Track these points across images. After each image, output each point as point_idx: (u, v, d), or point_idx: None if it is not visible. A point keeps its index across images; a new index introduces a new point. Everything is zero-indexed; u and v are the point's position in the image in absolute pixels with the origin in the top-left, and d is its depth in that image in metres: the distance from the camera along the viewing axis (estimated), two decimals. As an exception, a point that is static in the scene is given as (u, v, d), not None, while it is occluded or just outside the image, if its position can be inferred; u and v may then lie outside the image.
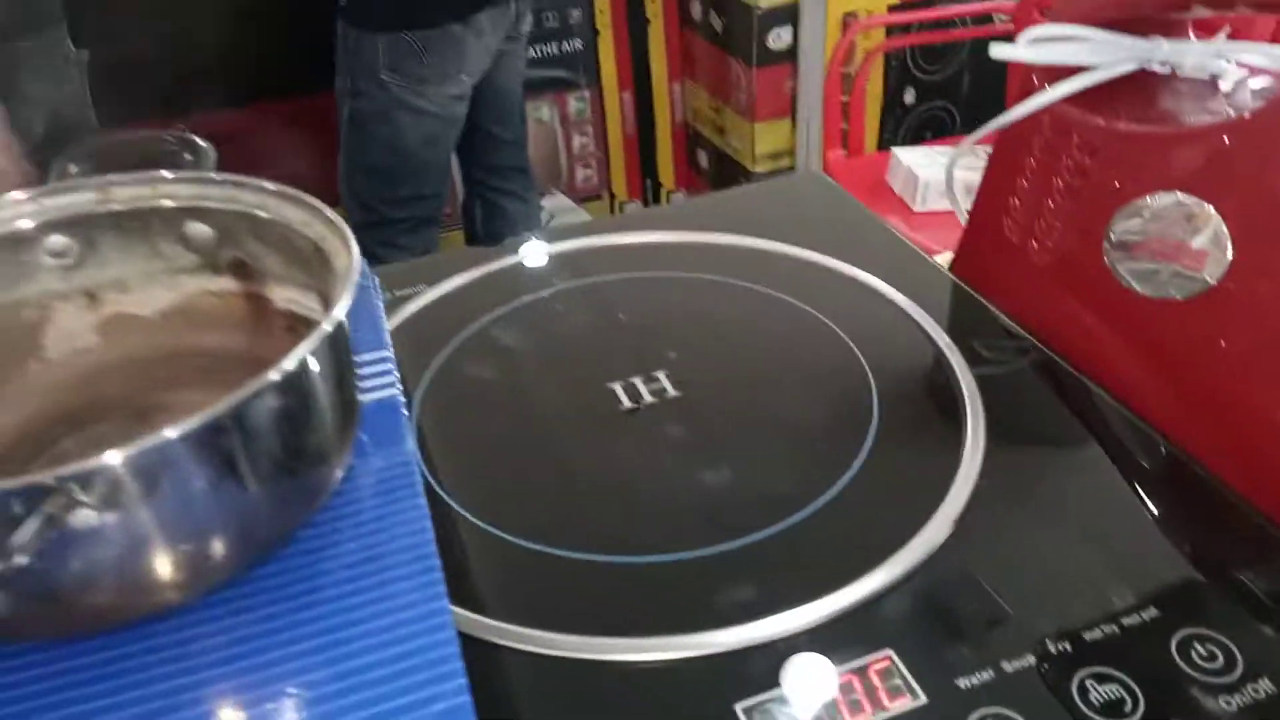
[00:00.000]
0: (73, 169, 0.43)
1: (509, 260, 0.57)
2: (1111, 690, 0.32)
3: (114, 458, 0.28)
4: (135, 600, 0.32)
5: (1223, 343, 0.43)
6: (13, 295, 0.42)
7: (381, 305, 0.51)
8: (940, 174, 1.20)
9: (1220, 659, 0.33)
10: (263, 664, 0.33)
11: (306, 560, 0.36)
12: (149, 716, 0.31)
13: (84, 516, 0.29)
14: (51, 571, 0.30)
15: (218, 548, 0.33)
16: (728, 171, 1.91)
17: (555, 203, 1.88)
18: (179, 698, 0.32)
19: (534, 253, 0.58)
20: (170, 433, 0.29)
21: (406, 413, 0.43)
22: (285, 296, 0.43)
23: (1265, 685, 0.32)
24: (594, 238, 0.59)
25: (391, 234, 1.33)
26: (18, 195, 0.41)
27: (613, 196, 2.02)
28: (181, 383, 0.44)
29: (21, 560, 0.26)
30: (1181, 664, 0.33)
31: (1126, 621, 0.34)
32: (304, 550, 0.37)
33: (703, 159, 2.00)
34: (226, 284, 0.44)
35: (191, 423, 0.30)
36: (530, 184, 1.58)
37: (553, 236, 0.59)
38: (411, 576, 0.35)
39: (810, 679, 0.33)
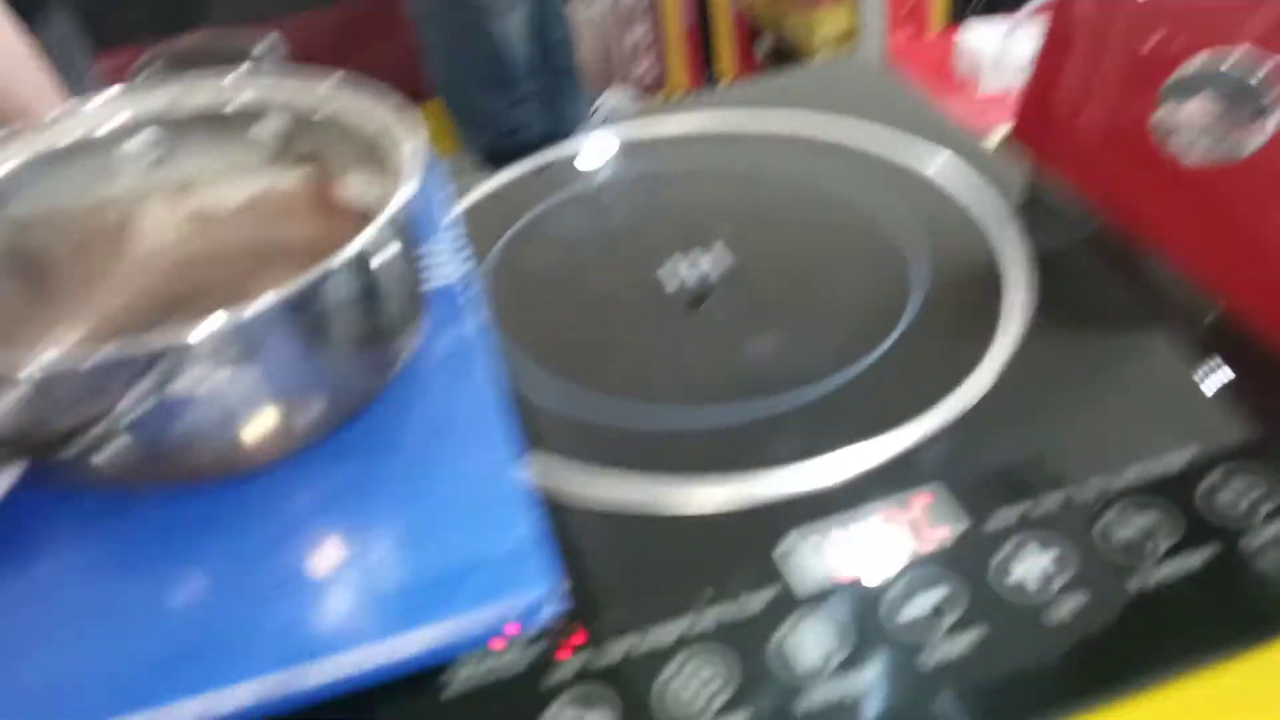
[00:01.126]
0: (152, 67, 0.45)
1: (567, 148, 0.59)
2: (1150, 519, 0.34)
3: (208, 324, 0.31)
4: (235, 456, 0.36)
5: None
6: (104, 192, 0.45)
7: (447, 189, 0.54)
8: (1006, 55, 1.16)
9: (1259, 491, 0.34)
10: (351, 512, 0.36)
11: (388, 420, 0.39)
12: (251, 558, 0.35)
13: (184, 382, 0.32)
14: (163, 429, 0.33)
15: (305, 410, 0.37)
16: (787, 60, 1.86)
17: (612, 97, 1.87)
18: (277, 543, 0.35)
19: (590, 140, 0.59)
20: (261, 304, 0.32)
21: (473, 290, 0.46)
22: (354, 188, 0.46)
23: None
24: (647, 122, 0.60)
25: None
26: (107, 95, 0.43)
27: (671, 89, 1.99)
28: (260, 274, 0.47)
29: (138, 415, 0.29)
30: (1221, 495, 0.34)
31: (1166, 459, 0.36)
32: (384, 413, 0.40)
33: (762, 48, 1.96)
34: (298, 177, 0.47)
35: (277, 295, 0.32)
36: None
37: (607, 123, 0.60)
38: (484, 429, 0.38)
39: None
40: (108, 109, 0.44)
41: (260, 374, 0.34)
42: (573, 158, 0.58)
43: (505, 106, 1.21)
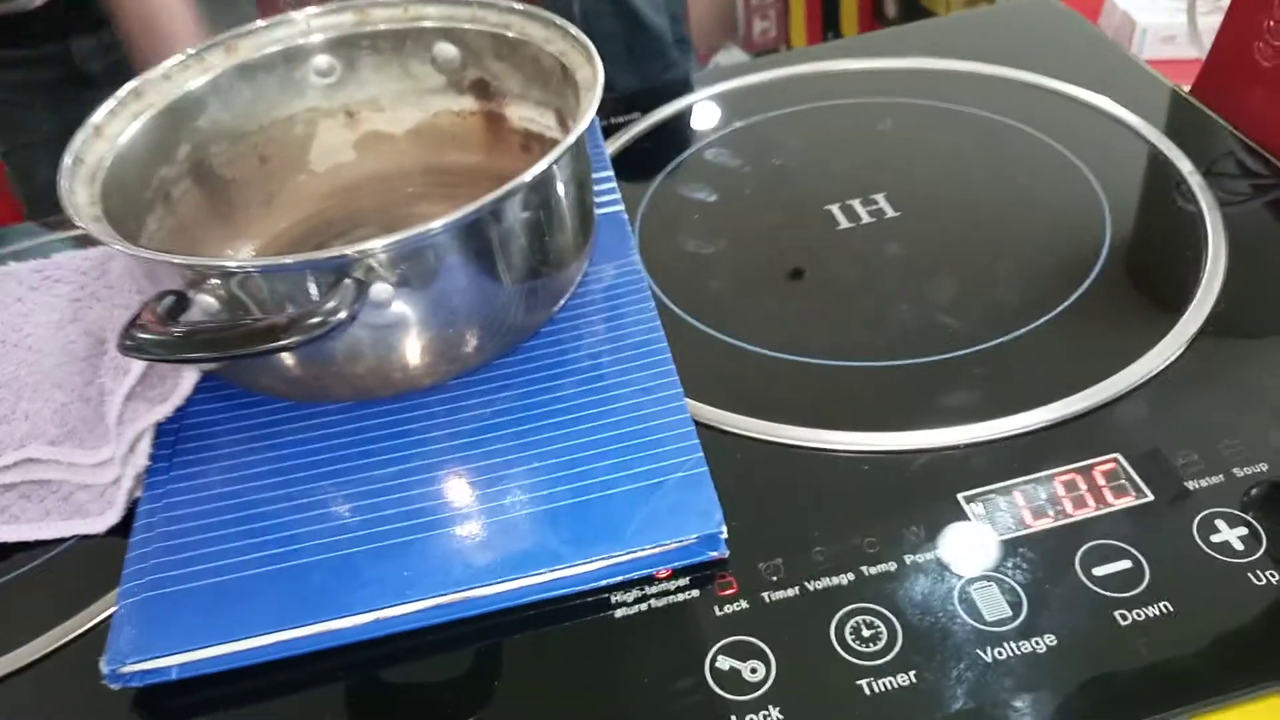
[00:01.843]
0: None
1: (720, 88, 0.58)
2: (1355, 500, 0.32)
3: (400, 237, 0.32)
4: (414, 372, 0.37)
5: None
6: (286, 110, 0.46)
7: (599, 129, 0.53)
8: (1163, 17, 1.10)
9: None
10: (525, 432, 0.37)
11: (553, 350, 0.40)
12: (431, 470, 0.36)
13: (380, 289, 0.33)
14: (353, 339, 0.34)
15: (479, 332, 0.37)
16: (918, 20, 1.80)
17: (729, 58, 1.83)
18: (456, 455, 0.36)
19: (738, 83, 0.58)
20: (447, 218, 0.32)
21: (630, 227, 0.46)
22: (522, 115, 0.46)
23: None
24: (795, 66, 0.58)
25: None
26: (292, 15, 0.44)
27: (791, 50, 1.95)
28: (427, 197, 0.48)
29: (344, 316, 0.30)
30: None
31: (1376, 437, 0.33)
32: (550, 342, 0.40)
33: (890, 7, 1.90)
34: (468, 103, 0.47)
35: (463, 211, 0.33)
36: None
37: (752, 67, 0.59)
38: (646, 366, 0.38)
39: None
40: (294, 28, 0.45)
41: (438, 293, 0.35)
42: (710, 106, 0.57)
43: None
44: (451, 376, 0.38)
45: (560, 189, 0.38)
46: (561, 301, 0.41)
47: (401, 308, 0.34)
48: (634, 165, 0.53)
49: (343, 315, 0.30)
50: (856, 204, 0.47)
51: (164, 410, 0.37)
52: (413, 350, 0.36)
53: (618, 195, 0.48)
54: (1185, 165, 0.47)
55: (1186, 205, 0.45)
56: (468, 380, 0.39)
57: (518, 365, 0.39)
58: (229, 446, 0.38)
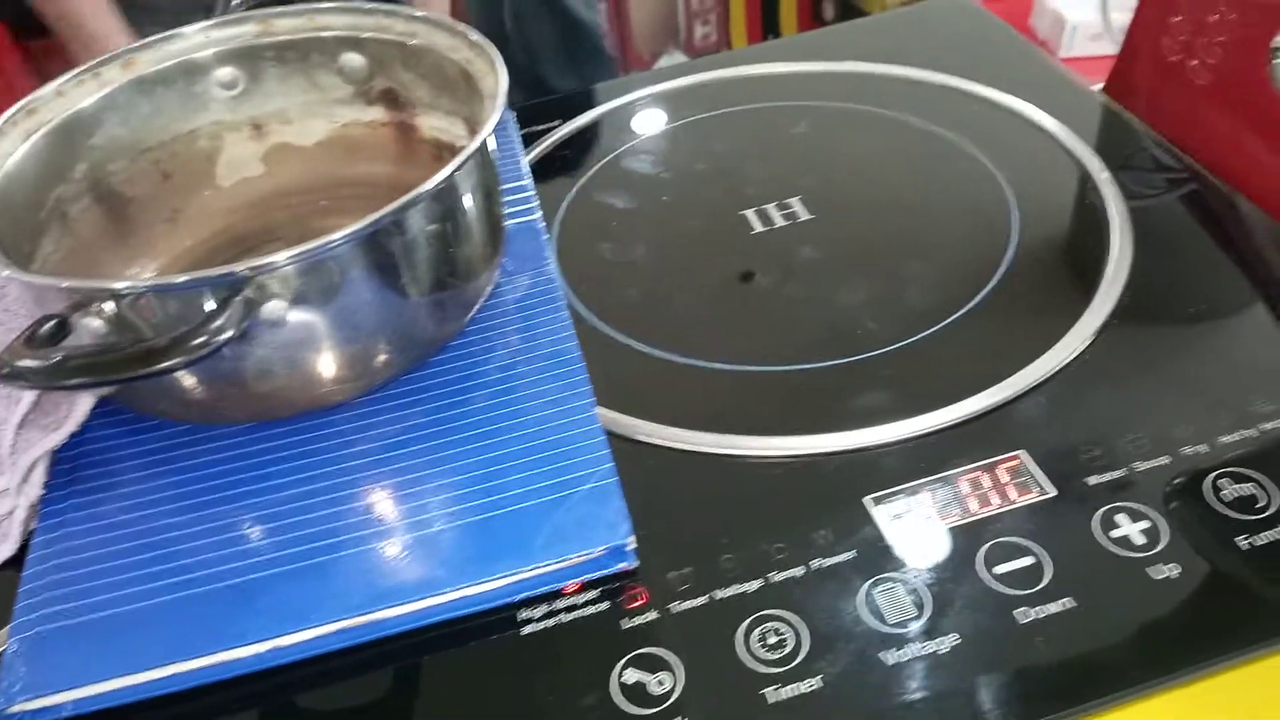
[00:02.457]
0: (236, 3, 0.45)
1: (641, 92, 0.58)
2: (1245, 489, 0.32)
3: (294, 251, 0.31)
4: (315, 391, 0.36)
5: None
6: (189, 125, 0.45)
7: (518, 137, 0.53)
8: (1091, 15, 1.12)
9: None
10: (432, 449, 0.36)
11: (463, 364, 0.39)
12: (335, 491, 0.35)
13: (273, 307, 0.32)
14: (246, 358, 0.33)
15: (384, 347, 0.36)
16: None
17: (671, 62, 1.84)
18: (361, 475, 0.36)
19: (666, 86, 0.58)
20: (344, 231, 0.32)
21: (547, 236, 0.45)
22: (432, 125, 0.45)
23: None
24: (725, 69, 0.58)
25: None
26: (190, 29, 0.43)
27: (719, 53, 1.96)
28: (339, 210, 0.47)
29: (229, 336, 0.29)
30: (1323, 469, 0.33)
31: (1265, 426, 0.34)
32: (460, 355, 0.40)
33: (828, 10, 1.91)
34: (378, 114, 0.46)
35: (362, 223, 0.32)
36: None
37: (683, 70, 0.59)
38: (558, 377, 0.38)
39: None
40: (193, 40, 0.44)
41: (340, 308, 0.34)
42: (632, 110, 0.57)
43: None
44: (358, 394, 0.38)
45: (466, 199, 0.37)
46: (471, 313, 0.40)
47: (300, 325, 0.33)
48: (553, 172, 0.53)
49: (227, 335, 0.29)
50: (772, 208, 0.47)
51: (57, 438, 0.36)
52: (314, 368, 0.35)
53: (534, 204, 0.47)
54: (1094, 164, 0.47)
55: (1094, 203, 0.45)
56: (375, 397, 0.38)
57: (427, 380, 0.39)
58: (128, 472, 0.37)
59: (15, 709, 0.30)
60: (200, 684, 0.31)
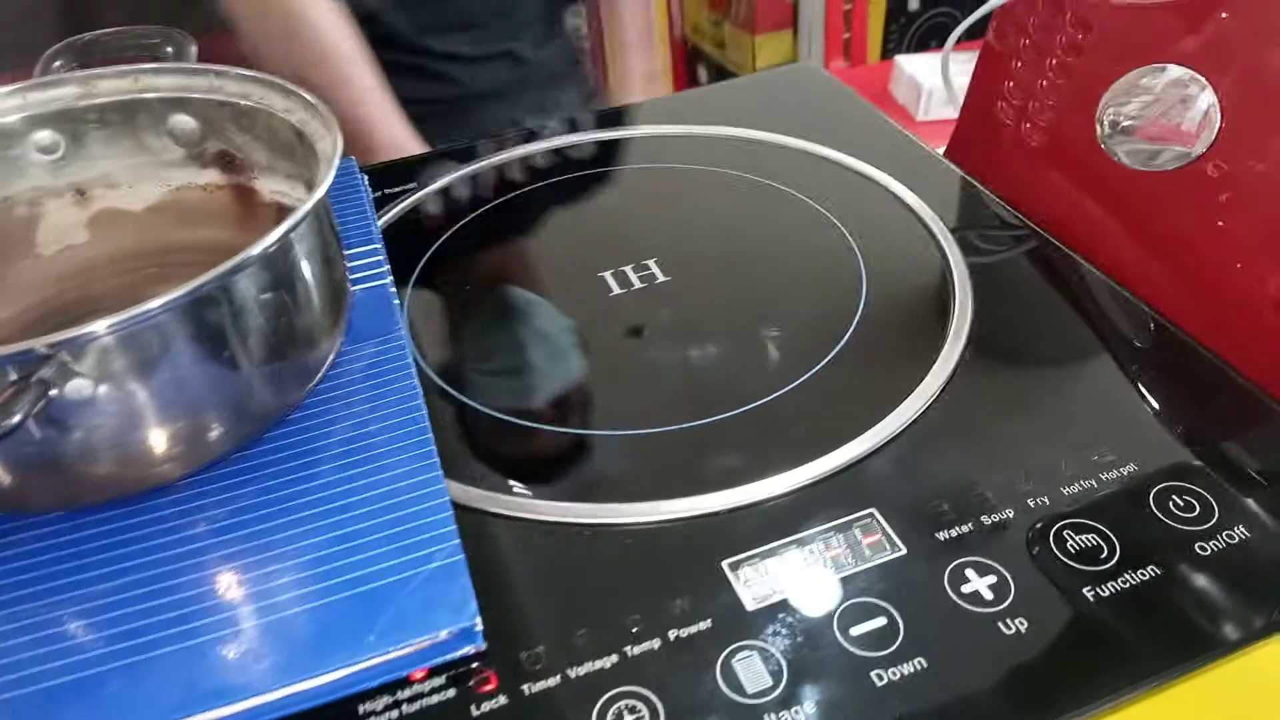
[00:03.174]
0: (56, 65, 0.42)
1: (502, 156, 0.57)
2: (1089, 539, 0.33)
3: (103, 325, 0.29)
4: (134, 472, 0.33)
5: (1217, 220, 0.43)
6: (4, 191, 0.42)
7: (370, 201, 0.51)
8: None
9: (1197, 509, 0.33)
10: (263, 531, 0.34)
11: (302, 438, 0.37)
12: (154, 583, 0.32)
13: (77, 386, 0.30)
14: (51, 442, 0.31)
15: (212, 422, 0.34)
16: (728, 87, 1.87)
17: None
18: (183, 564, 0.33)
19: (528, 148, 0.58)
20: (158, 301, 0.30)
21: (397, 301, 0.44)
22: (271, 188, 0.44)
23: (1240, 531, 0.33)
24: (587, 131, 0.59)
25: None
26: (7, 89, 0.41)
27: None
28: (172, 277, 0.44)
29: (16, 422, 0.27)
30: (1158, 514, 0.33)
31: (1105, 476, 0.35)
32: (299, 429, 0.37)
33: (703, 74, 1.97)
34: (213, 177, 0.44)
35: (178, 293, 0.30)
36: None
37: (545, 132, 0.59)
38: (405, 450, 0.36)
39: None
40: (7, 104, 0.41)
41: (163, 383, 0.32)
42: (491, 173, 0.56)
43: None
44: (187, 472, 0.35)
45: (302, 264, 0.35)
46: (312, 383, 0.38)
47: (115, 402, 0.31)
48: (408, 235, 0.51)
49: (11, 422, 0.27)
50: (629, 270, 0.47)
51: None
52: (135, 450, 0.33)
53: (385, 268, 0.46)
54: (938, 224, 0.49)
55: (937, 261, 0.46)
56: (205, 476, 0.36)
57: (261, 456, 0.36)
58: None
59: None
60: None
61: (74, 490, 0.33)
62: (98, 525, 0.34)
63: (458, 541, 0.33)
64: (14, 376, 0.28)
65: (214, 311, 0.32)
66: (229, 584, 0.32)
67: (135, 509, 0.34)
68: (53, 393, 0.28)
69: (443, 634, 0.31)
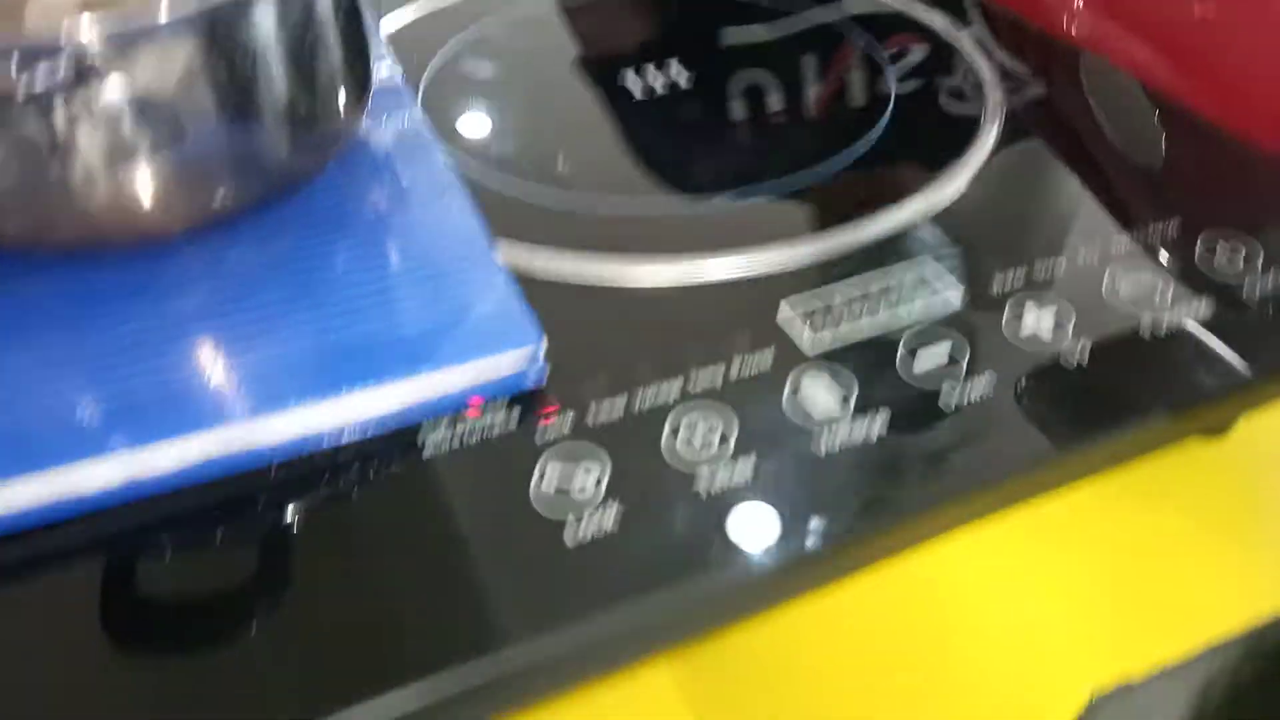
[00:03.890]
0: None
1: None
2: (1143, 279, 0.33)
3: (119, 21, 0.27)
4: (156, 211, 0.31)
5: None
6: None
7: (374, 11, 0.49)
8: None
9: (1243, 255, 0.34)
10: (298, 279, 0.32)
11: (332, 200, 0.35)
12: (181, 321, 0.31)
13: (83, 94, 0.27)
14: (75, 156, 0.29)
15: (233, 166, 0.32)
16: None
17: None
18: (214, 306, 0.31)
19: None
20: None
21: (412, 97, 0.42)
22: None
23: (1282, 274, 0.33)
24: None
25: None
26: None
27: None
28: None
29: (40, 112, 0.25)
30: (1204, 261, 0.34)
31: (1153, 227, 0.35)
32: (327, 193, 0.36)
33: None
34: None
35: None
36: None
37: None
38: (446, 207, 0.35)
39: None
40: None
41: (184, 102, 0.30)
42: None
43: None
44: (198, 224, 0.33)
45: (324, 6, 0.33)
46: (333, 152, 0.36)
47: (118, 116, 0.29)
48: (412, 47, 0.49)
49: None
50: (650, 69, 0.46)
51: None
52: (148, 176, 0.30)
53: (397, 70, 0.44)
54: (966, 40, 0.48)
55: (967, 73, 0.46)
56: (229, 231, 0.34)
57: (289, 216, 0.35)
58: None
59: None
60: (35, 523, 0.26)
61: (84, 225, 0.31)
62: (112, 271, 0.32)
63: (510, 279, 0.32)
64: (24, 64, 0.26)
65: (238, 33, 0.30)
66: (266, 322, 0.31)
67: (161, 256, 0.33)
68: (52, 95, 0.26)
69: (505, 358, 0.30)
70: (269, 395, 0.28)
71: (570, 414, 0.29)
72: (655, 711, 0.31)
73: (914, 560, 0.30)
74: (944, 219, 0.37)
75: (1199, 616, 0.30)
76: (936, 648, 0.31)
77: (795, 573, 0.27)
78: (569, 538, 0.26)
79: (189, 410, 0.28)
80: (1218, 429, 0.36)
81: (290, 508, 0.27)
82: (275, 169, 0.34)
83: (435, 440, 0.29)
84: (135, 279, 0.32)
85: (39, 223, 0.31)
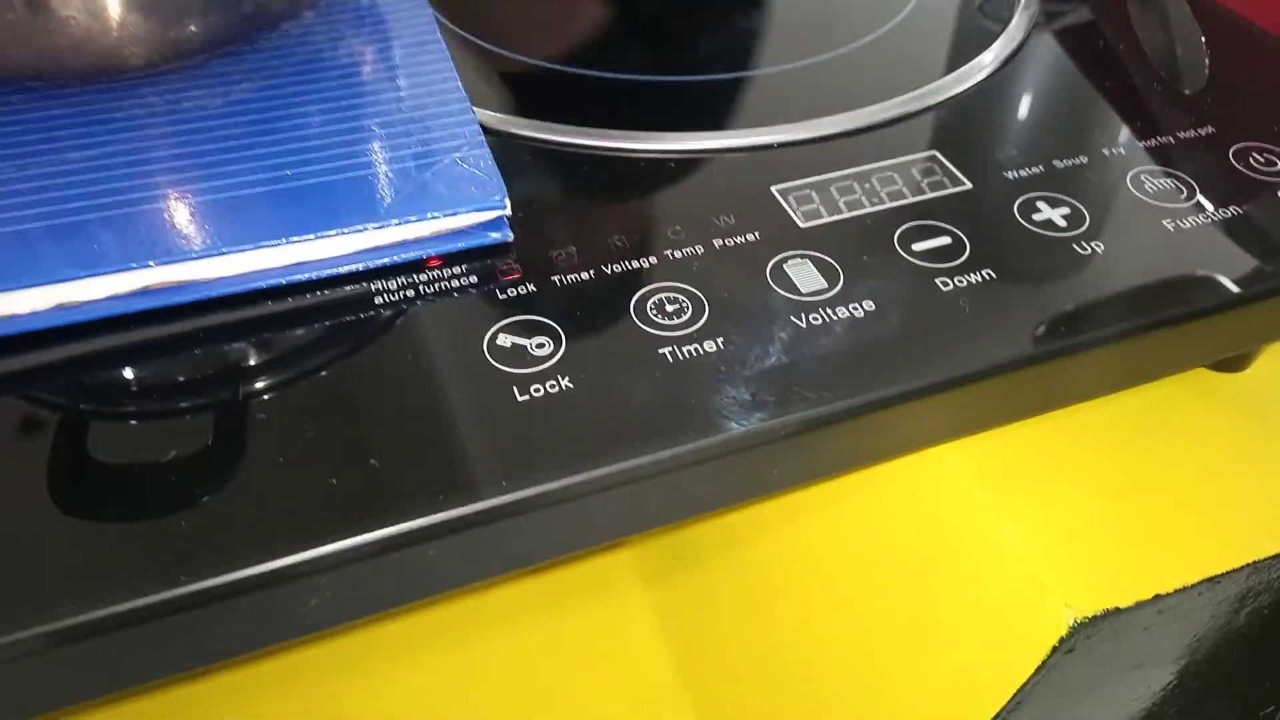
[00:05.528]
0: None
1: None
2: (1167, 183, 0.31)
3: None
4: (119, 36, 0.29)
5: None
6: None
7: None
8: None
9: (1276, 164, 0.31)
10: (262, 119, 0.30)
11: (306, 47, 0.34)
12: (138, 151, 0.29)
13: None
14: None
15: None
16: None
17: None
18: (170, 139, 0.29)
19: None
20: None
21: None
22: None
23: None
24: None
25: None
26: None
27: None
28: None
29: None
30: (1237, 167, 0.31)
31: (1182, 135, 0.33)
32: (302, 40, 0.34)
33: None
34: None
35: None
36: None
37: None
38: (420, 63, 0.33)
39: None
40: None
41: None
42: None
43: None
44: (163, 56, 0.31)
45: None
46: (315, -2, 0.34)
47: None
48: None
49: None
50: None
51: None
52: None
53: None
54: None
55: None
56: (193, 69, 0.32)
57: (262, 62, 0.33)
58: None
59: None
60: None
61: (46, 46, 0.29)
62: (79, 102, 0.30)
63: (482, 136, 0.30)
64: None
65: None
66: (225, 158, 0.29)
67: (121, 92, 0.31)
68: None
69: (466, 214, 0.27)
70: (216, 233, 0.26)
71: (536, 276, 0.27)
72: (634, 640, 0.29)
73: (908, 474, 0.28)
74: (960, 110, 0.34)
75: (1202, 550, 0.28)
76: (926, 565, 0.28)
77: (765, 448, 0.24)
78: (520, 392, 0.24)
79: (130, 240, 0.26)
80: (1235, 364, 0.34)
81: (234, 348, 0.25)
82: (246, 3, 0.32)
83: (390, 290, 0.27)
84: (90, 113, 0.30)
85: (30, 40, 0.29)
